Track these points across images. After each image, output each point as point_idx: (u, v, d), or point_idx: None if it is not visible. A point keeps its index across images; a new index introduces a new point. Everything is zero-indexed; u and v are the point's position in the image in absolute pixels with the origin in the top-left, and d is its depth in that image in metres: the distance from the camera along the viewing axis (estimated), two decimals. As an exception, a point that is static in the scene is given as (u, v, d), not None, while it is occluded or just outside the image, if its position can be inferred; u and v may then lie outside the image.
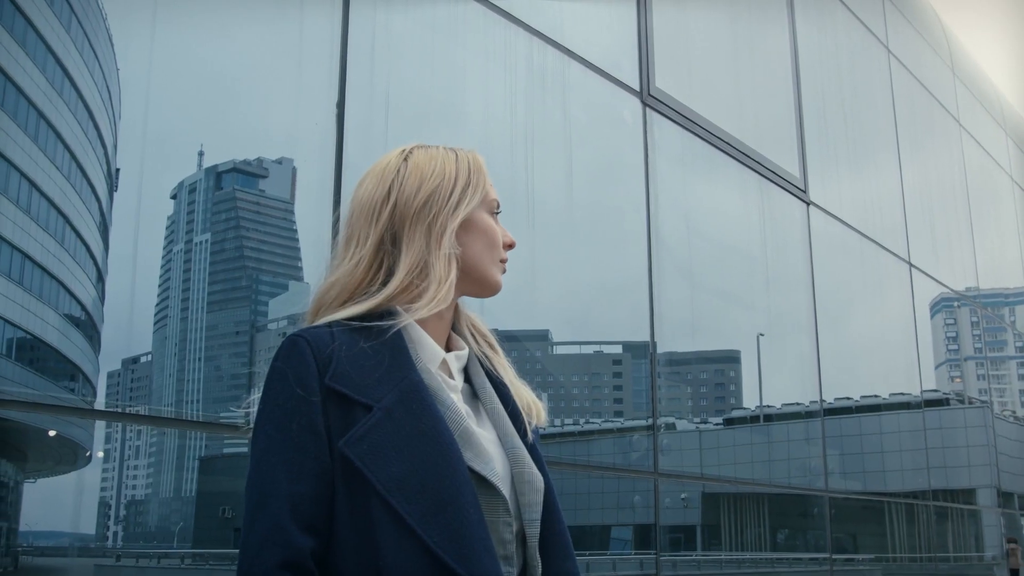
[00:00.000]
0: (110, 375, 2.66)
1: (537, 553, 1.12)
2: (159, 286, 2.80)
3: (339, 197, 3.01)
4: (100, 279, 2.70)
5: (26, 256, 2.52)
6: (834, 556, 6.04)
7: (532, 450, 1.18)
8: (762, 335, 5.53)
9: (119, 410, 2.74)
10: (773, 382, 5.73)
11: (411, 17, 3.53)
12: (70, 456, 2.69)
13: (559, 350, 4.35)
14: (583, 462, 4.34)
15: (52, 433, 2.65)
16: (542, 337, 4.17)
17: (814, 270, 6.08)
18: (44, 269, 2.57)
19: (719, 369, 5.48)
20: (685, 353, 5.06)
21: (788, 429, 5.97)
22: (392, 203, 1.17)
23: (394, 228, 1.17)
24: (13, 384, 2.48)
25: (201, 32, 2.91)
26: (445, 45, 3.67)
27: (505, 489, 1.10)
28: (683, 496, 4.92)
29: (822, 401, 6.02)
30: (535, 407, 1.22)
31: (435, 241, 1.16)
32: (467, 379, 1.21)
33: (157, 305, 2.80)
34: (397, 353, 1.10)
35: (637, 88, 4.66)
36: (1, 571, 2.35)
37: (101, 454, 2.71)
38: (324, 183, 3.04)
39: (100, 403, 2.64)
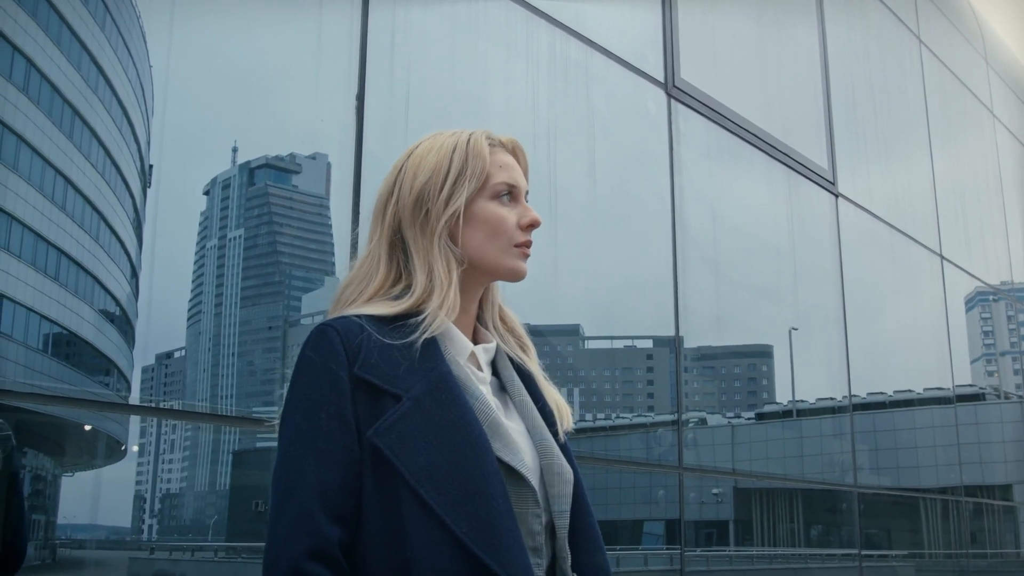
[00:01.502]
0: (144, 370, 2.68)
1: (567, 545, 1.12)
2: (192, 281, 2.82)
3: (359, 192, 3.01)
4: (134, 275, 2.73)
5: (62, 252, 2.55)
6: (866, 552, 5.97)
7: (563, 447, 1.17)
8: (795, 329, 5.48)
9: (153, 405, 2.77)
10: (804, 377, 5.67)
11: (431, 11, 3.53)
12: (105, 450, 2.72)
13: (590, 344, 4.33)
14: (613, 457, 4.33)
15: (88, 428, 2.69)
16: (573, 332, 4.15)
17: (843, 263, 6.00)
18: (79, 265, 2.60)
19: (752, 364, 5.42)
20: (716, 348, 5.02)
21: (820, 424, 5.91)
22: (394, 202, 1.17)
23: (397, 227, 1.16)
24: (49, 379, 2.52)
25: (224, 29, 2.93)
26: (466, 38, 3.67)
27: (534, 480, 1.10)
28: (715, 491, 4.88)
29: (851, 396, 5.95)
30: (564, 410, 1.21)
31: (428, 241, 1.14)
32: (495, 372, 1.21)
33: (190, 300, 2.82)
34: (425, 345, 1.10)
35: (662, 79, 4.63)
36: (39, 563, 2.39)
37: (136, 448, 2.73)
38: (344, 178, 3.05)
39: (135, 398, 2.67)
